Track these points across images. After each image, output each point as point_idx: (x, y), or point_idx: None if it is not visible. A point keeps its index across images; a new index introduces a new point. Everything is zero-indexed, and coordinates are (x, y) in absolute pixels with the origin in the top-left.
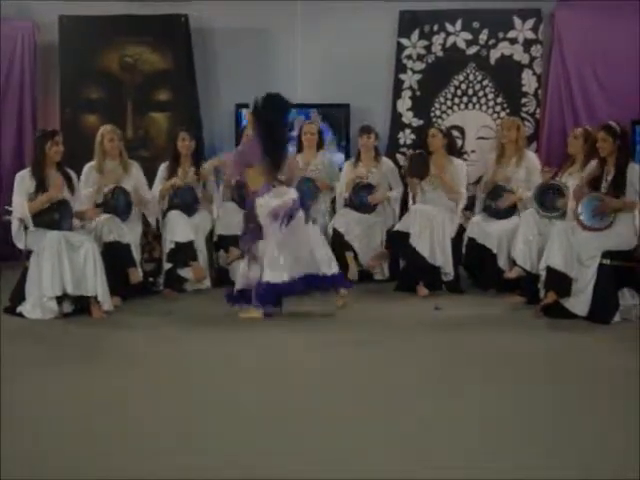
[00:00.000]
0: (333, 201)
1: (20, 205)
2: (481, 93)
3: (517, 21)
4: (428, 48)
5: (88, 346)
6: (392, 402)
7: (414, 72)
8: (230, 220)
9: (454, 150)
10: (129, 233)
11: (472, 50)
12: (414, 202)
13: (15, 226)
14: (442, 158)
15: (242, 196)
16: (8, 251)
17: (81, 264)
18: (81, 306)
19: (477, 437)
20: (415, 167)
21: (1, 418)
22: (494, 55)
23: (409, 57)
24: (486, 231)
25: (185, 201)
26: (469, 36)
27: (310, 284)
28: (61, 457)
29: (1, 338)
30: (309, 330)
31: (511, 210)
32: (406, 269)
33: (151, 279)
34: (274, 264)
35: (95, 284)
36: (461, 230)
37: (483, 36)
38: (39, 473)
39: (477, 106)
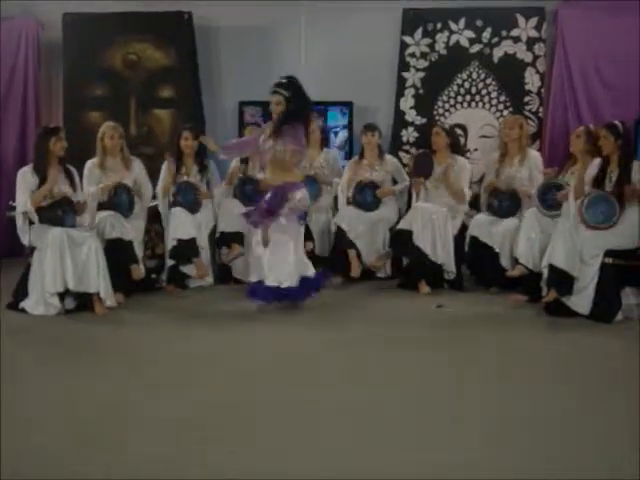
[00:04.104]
0: (335, 198)
1: (23, 201)
2: (484, 91)
3: (520, 19)
4: (431, 46)
5: (90, 343)
6: (392, 399)
7: (417, 70)
8: (232, 217)
9: (458, 148)
10: (132, 230)
11: (475, 48)
12: (417, 200)
13: (19, 221)
14: (446, 157)
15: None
16: (11, 247)
17: (84, 261)
18: (84, 302)
19: (477, 435)
20: (420, 166)
21: (1, 416)
22: (497, 53)
23: (412, 55)
24: (488, 229)
25: (188, 199)
26: (472, 34)
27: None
28: (61, 457)
29: (4, 334)
30: (309, 327)
31: (513, 209)
32: (408, 267)
33: (154, 276)
34: (285, 266)
35: (98, 281)
36: (463, 228)
37: (486, 34)
38: (39, 473)
39: (480, 104)
